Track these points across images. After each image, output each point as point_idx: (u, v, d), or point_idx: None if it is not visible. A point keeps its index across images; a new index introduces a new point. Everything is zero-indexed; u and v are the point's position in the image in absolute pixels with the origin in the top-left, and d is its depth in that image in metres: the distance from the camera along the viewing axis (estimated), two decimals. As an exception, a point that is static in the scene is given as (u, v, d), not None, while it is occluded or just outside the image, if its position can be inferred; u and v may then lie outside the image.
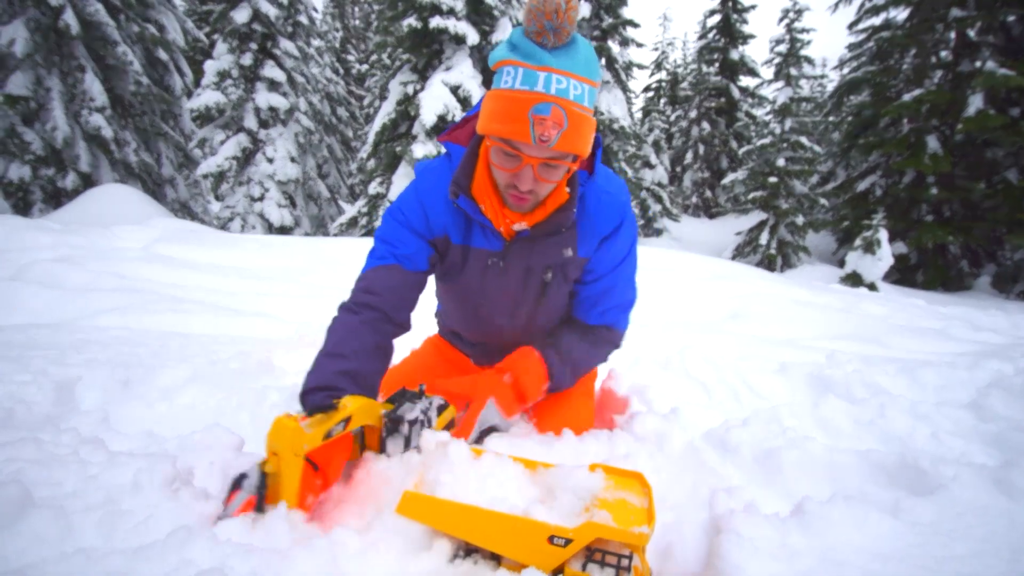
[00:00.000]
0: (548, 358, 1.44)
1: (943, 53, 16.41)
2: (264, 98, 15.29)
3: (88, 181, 13.35)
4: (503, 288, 1.47)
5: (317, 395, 1.23)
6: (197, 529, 0.92)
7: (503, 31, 12.63)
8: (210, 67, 15.10)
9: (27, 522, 0.86)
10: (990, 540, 1.10)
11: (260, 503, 1.01)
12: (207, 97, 14.77)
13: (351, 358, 1.28)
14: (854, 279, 12.97)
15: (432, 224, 1.43)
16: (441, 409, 1.29)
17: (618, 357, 2.79)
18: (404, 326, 1.44)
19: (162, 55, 15.21)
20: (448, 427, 1.28)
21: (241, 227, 15.22)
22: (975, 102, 14.24)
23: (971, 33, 15.79)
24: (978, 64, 14.76)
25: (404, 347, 2.14)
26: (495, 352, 1.64)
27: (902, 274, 16.12)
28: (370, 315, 1.35)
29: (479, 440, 1.38)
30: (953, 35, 15.92)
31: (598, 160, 1.40)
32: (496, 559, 1.04)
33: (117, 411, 1.73)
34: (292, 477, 1.02)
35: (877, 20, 18.08)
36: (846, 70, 20.54)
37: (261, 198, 15.40)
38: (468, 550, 1.06)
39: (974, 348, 4.85)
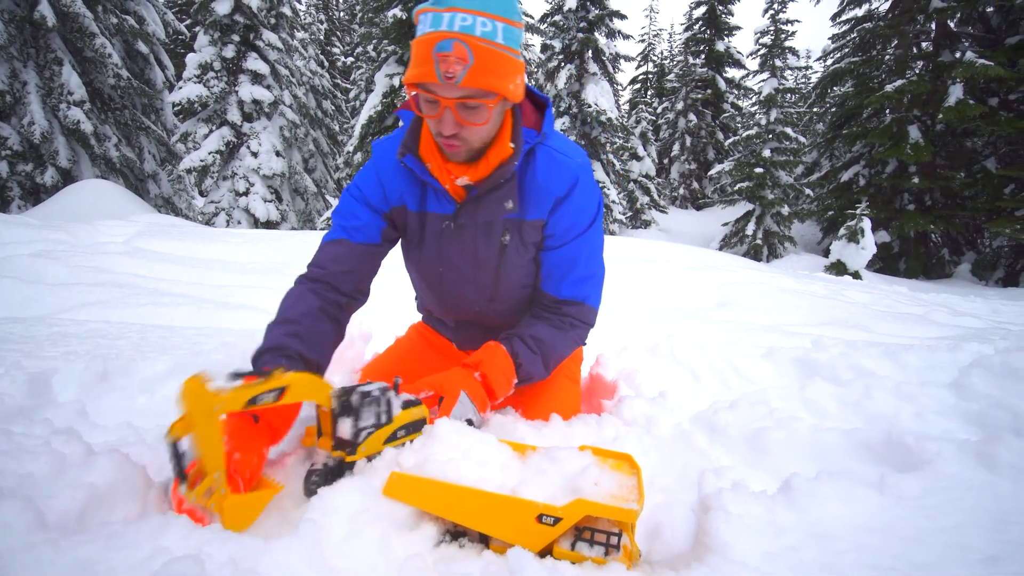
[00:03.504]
0: (516, 351, 1.41)
1: (924, 44, 16.62)
2: (247, 91, 15.07)
3: (68, 177, 13.09)
4: (460, 252, 1.45)
5: (267, 356, 1.25)
6: (172, 516, 0.90)
7: (489, 22, 12.51)
8: (192, 60, 14.83)
9: (-7, 512, 0.82)
10: (974, 512, 1.11)
11: (180, 474, 0.94)
12: (189, 90, 14.52)
13: (299, 321, 1.32)
14: (838, 268, 13.13)
15: (389, 194, 1.46)
16: (408, 404, 1.23)
17: (605, 343, 2.79)
18: (354, 296, 1.46)
19: (142, 48, 14.93)
20: (410, 427, 1.21)
21: (226, 222, 15.01)
22: (955, 92, 14.44)
23: (951, 24, 15.98)
24: (958, 54, 14.96)
25: (389, 335, 2.11)
26: (475, 332, 1.62)
27: (885, 262, 16.36)
28: (315, 285, 1.41)
29: None
30: (934, 25, 16.10)
31: (548, 120, 1.40)
32: (484, 542, 1.03)
33: (95, 404, 1.69)
34: (209, 439, 0.94)
35: (860, 11, 18.25)
36: (830, 61, 20.72)
37: (246, 192, 15.20)
38: (455, 533, 1.05)
39: (955, 332, 4.93)
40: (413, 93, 1.25)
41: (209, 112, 15.16)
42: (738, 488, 1.10)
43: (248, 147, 15.18)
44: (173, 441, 0.94)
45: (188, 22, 19.59)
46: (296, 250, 6.43)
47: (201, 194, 17.96)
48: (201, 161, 14.57)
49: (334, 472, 1.16)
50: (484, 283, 1.50)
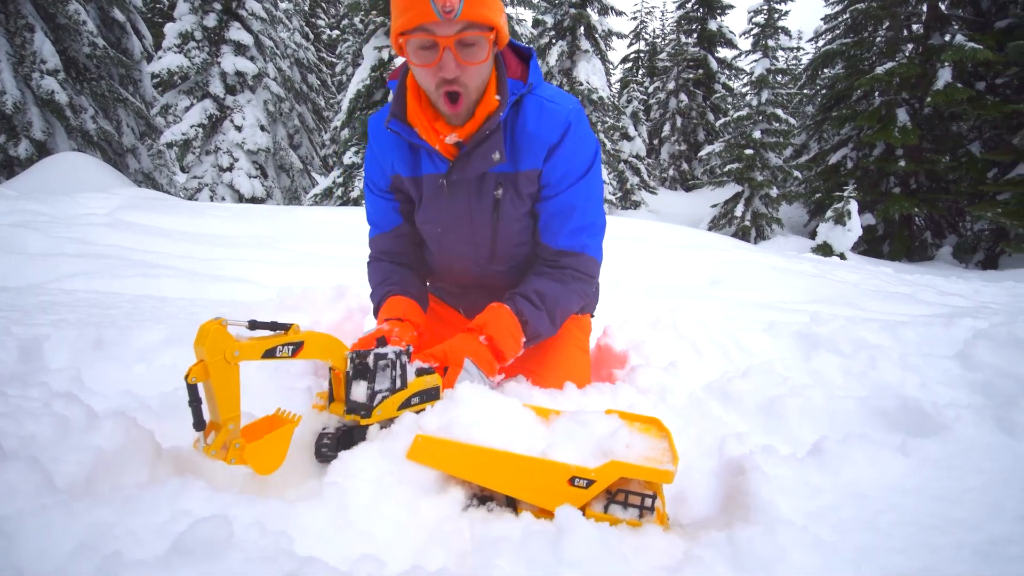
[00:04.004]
0: (519, 309, 1.39)
1: (915, 26, 16.59)
2: (230, 62, 14.59)
3: (43, 150, 12.63)
4: (455, 211, 1.45)
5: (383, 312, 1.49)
6: (192, 479, 0.85)
7: (480, -6, 12.22)
8: (171, 29, 14.29)
9: (-1, 474, 0.77)
10: (999, 473, 1.10)
11: (197, 419, 0.91)
12: (169, 60, 14.02)
13: (386, 280, 1.56)
14: (825, 250, 13.26)
15: (384, 166, 1.51)
16: (422, 372, 1.21)
17: (609, 315, 2.77)
18: (415, 267, 1.65)
19: (118, 15, 14.33)
20: (424, 395, 1.19)
21: (210, 198, 14.66)
22: (944, 75, 14.50)
23: (942, 6, 15.97)
24: (948, 37, 14.97)
25: None
26: (480, 297, 1.61)
27: (869, 245, 16.56)
28: (380, 259, 1.64)
29: None
30: (925, 8, 16.08)
31: (534, 70, 1.38)
32: (512, 505, 1.00)
33: (90, 372, 1.61)
34: (226, 385, 0.91)
35: (853, -9, 18.12)
36: (821, 42, 20.63)
37: (230, 168, 14.83)
38: (482, 497, 1.01)
39: (944, 311, 5.00)
40: (407, 44, 1.23)
41: (191, 84, 14.67)
42: (769, 451, 1.08)
43: (232, 121, 14.76)
44: (192, 384, 0.89)
45: (166, -11, 18.88)
46: (285, 225, 6.30)
47: (182, 169, 17.48)
48: (183, 135, 14.15)
49: (346, 437, 1.12)
50: (481, 241, 1.49)
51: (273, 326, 1.01)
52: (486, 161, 1.35)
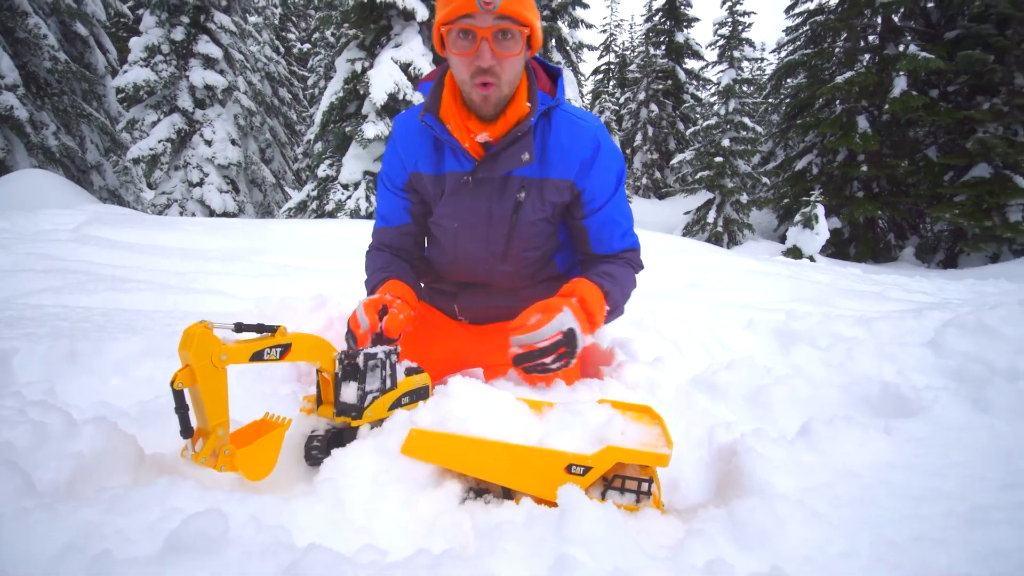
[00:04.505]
0: (598, 282, 1.45)
1: (871, 37, 17.31)
2: (199, 76, 14.35)
3: (1, 167, 12.20)
4: (475, 209, 1.49)
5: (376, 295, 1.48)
6: (180, 479, 0.82)
7: (452, 7, 12.33)
8: (137, 43, 14.00)
9: (-25, 478, 0.73)
10: (980, 449, 1.14)
11: (184, 425, 0.88)
12: (135, 75, 13.72)
13: (384, 268, 1.62)
14: (795, 253, 13.60)
15: (406, 162, 1.55)
16: (411, 372, 1.20)
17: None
18: (414, 264, 1.71)
19: (81, 29, 13.99)
20: (413, 394, 1.18)
21: (179, 214, 14.32)
22: (899, 84, 15.13)
23: (895, 18, 16.71)
24: (902, 48, 15.66)
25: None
26: (479, 295, 1.65)
27: (837, 247, 17.06)
28: (380, 249, 1.71)
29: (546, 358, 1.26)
30: (880, 19, 16.80)
31: (561, 88, 1.47)
32: (509, 497, 0.99)
33: (64, 385, 1.55)
34: (214, 390, 0.89)
35: (812, 4, 18.85)
36: (784, 53, 21.33)
37: (200, 183, 14.53)
38: (479, 490, 1.00)
39: (912, 307, 5.17)
40: (447, 34, 1.32)
41: (158, 98, 14.37)
42: (759, 434, 1.10)
43: (201, 135, 14.49)
44: (179, 389, 0.86)
45: (131, 3, 18.50)
46: (259, 238, 6.18)
47: (149, 186, 17.05)
48: (151, 150, 13.81)
49: (336, 439, 1.10)
50: (497, 240, 1.54)
51: (260, 328, 0.99)
52: (513, 161, 1.42)
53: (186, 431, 0.89)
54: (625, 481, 0.97)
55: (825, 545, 0.74)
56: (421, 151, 1.51)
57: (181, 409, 0.89)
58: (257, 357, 0.96)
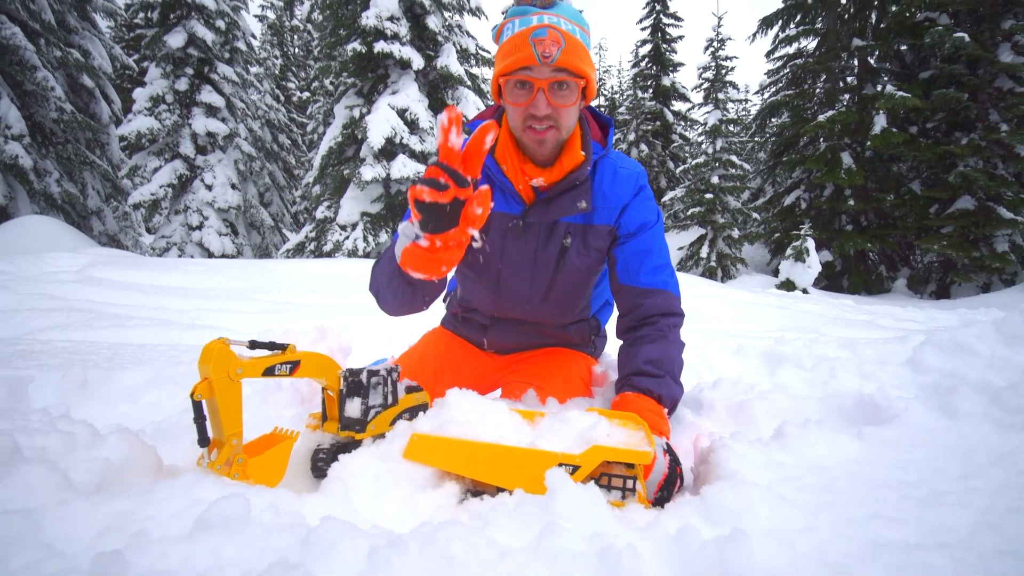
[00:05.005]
0: (646, 388, 1.38)
1: (849, 78, 18.06)
2: (202, 123, 14.80)
3: (3, 214, 12.40)
4: (522, 252, 1.52)
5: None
6: (202, 475, 0.90)
7: (447, 56, 12.89)
8: (141, 94, 14.50)
9: (19, 474, 0.81)
10: (943, 448, 1.22)
11: (201, 435, 0.95)
12: (139, 123, 14.15)
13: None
14: (788, 286, 13.79)
15: None
16: (411, 390, 1.27)
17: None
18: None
19: (87, 81, 14.48)
20: (413, 411, 1.25)
21: (179, 257, 14.48)
22: (879, 121, 15.70)
23: (871, 60, 17.49)
24: (879, 87, 16.34)
25: (403, 342, 2.12)
26: (511, 329, 1.67)
27: (830, 280, 17.29)
28: None
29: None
30: (856, 62, 17.57)
31: (610, 138, 1.54)
32: (504, 496, 1.06)
33: (78, 410, 1.62)
34: (230, 402, 0.96)
35: (791, 49, 19.71)
36: (767, 94, 22.15)
37: (200, 226, 14.76)
38: (476, 491, 1.07)
39: (900, 333, 5.27)
40: (505, 84, 1.36)
41: (160, 145, 14.77)
42: (736, 436, 1.18)
43: (202, 180, 14.82)
44: (198, 400, 0.94)
45: (136, 56, 19.20)
46: (259, 277, 6.29)
47: (149, 231, 17.30)
48: (152, 195, 14.11)
49: (340, 452, 1.17)
50: (540, 282, 1.57)
51: (271, 346, 1.08)
52: (567, 208, 1.45)
53: (203, 440, 0.96)
54: (611, 479, 1.04)
55: (788, 522, 0.82)
56: None
57: (199, 419, 0.96)
58: (269, 372, 1.04)
